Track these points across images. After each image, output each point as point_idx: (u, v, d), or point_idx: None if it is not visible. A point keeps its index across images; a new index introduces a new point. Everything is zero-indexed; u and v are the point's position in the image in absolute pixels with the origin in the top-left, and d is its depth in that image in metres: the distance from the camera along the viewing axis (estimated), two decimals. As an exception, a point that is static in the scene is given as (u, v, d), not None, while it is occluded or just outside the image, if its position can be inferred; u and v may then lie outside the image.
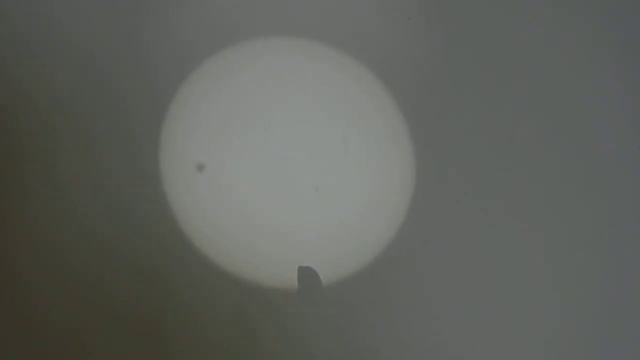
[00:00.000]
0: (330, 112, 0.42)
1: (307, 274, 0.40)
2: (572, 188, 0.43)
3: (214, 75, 0.42)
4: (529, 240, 0.42)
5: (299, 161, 0.41)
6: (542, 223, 0.42)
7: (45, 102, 0.40)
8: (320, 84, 0.42)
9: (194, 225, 0.40)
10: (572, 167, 0.43)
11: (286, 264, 0.40)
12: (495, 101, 0.43)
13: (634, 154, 0.44)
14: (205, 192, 0.40)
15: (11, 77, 0.40)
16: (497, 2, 0.45)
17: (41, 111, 0.40)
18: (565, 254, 0.42)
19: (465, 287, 0.41)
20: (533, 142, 0.43)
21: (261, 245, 0.40)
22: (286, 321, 0.39)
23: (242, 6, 0.43)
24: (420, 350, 0.40)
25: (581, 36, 0.45)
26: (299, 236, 0.40)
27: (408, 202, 0.42)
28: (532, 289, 0.41)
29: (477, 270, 0.41)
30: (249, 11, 0.43)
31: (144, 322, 0.38)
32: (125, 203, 0.39)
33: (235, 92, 0.42)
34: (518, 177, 0.43)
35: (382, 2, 0.44)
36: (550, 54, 0.45)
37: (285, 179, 0.41)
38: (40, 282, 0.38)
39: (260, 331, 0.39)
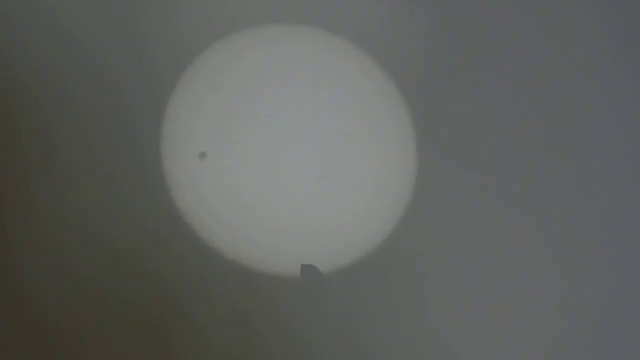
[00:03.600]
0: (332, 102, 0.42)
1: (310, 273, 0.39)
2: (573, 184, 0.43)
3: (216, 65, 0.42)
4: (531, 235, 0.42)
5: (300, 151, 0.41)
6: (544, 218, 0.42)
7: (44, 95, 0.40)
8: (322, 74, 0.42)
9: (195, 216, 0.40)
10: (574, 162, 0.43)
11: (287, 255, 0.40)
12: (495, 94, 0.44)
13: (635, 151, 0.44)
14: (207, 182, 0.40)
15: (8, 71, 0.40)
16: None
17: (40, 104, 0.40)
18: (567, 251, 0.42)
19: (466, 281, 0.41)
20: (534, 134, 0.43)
21: (262, 235, 0.40)
22: (286, 312, 0.39)
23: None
24: (422, 345, 0.40)
25: (584, 29, 0.45)
26: (300, 227, 0.40)
27: (410, 194, 0.42)
28: (533, 286, 0.41)
29: (478, 264, 0.41)
30: (250, 2, 0.43)
31: (144, 317, 0.38)
32: (127, 194, 0.39)
33: (237, 81, 0.42)
34: (520, 172, 0.43)
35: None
36: (553, 48, 0.45)
37: (287, 169, 0.41)
38: (41, 274, 0.38)
39: (260, 323, 0.39)
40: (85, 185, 0.39)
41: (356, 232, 0.41)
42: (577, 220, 0.43)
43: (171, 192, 0.40)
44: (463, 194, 0.42)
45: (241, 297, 0.39)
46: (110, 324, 0.38)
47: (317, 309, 0.39)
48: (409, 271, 0.41)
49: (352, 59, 0.43)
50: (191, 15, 0.42)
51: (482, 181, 0.42)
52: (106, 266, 0.38)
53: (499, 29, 0.44)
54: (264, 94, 0.42)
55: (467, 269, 0.41)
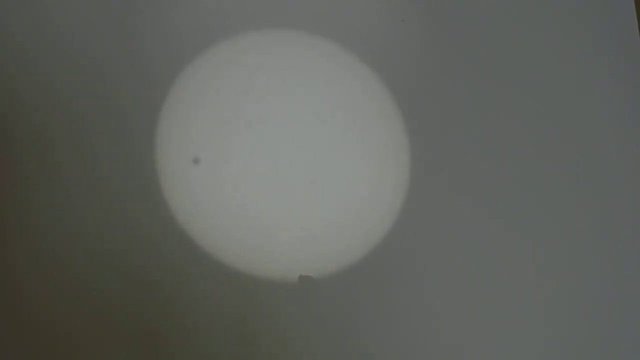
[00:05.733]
0: (326, 107, 0.42)
1: (306, 281, 0.40)
2: (566, 187, 0.43)
3: (209, 70, 0.42)
4: (526, 238, 0.42)
5: (294, 155, 0.41)
6: (538, 220, 0.42)
7: (41, 100, 0.41)
8: (316, 80, 0.43)
9: (190, 220, 0.40)
10: (567, 164, 0.43)
11: (281, 258, 0.40)
12: (487, 99, 0.44)
13: (632, 154, 0.44)
14: (201, 186, 0.40)
15: (5, 73, 0.41)
16: (485, 5, 0.45)
17: (38, 108, 0.40)
18: (561, 253, 0.42)
19: (459, 281, 0.41)
20: (525, 136, 0.43)
21: (257, 239, 0.40)
22: (282, 315, 0.39)
23: (237, 2, 0.43)
24: (418, 346, 0.40)
25: (574, 37, 0.45)
26: (294, 230, 0.40)
27: (404, 195, 0.42)
28: (529, 288, 0.41)
29: (471, 263, 0.41)
30: (243, 7, 0.43)
31: (139, 321, 0.38)
32: (122, 199, 0.40)
33: (231, 86, 0.42)
34: (511, 171, 0.43)
35: (376, 3, 0.44)
36: (541, 53, 0.45)
37: (281, 173, 0.41)
38: (37, 278, 0.38)
39: (256, 324, 0.39)
40: (80, 189, 0.39)
41: (351, 232, 0.41)
42: (571, 221, 0.43)
43: (166, 197, 0.40)
44: (457, 195, 0.42)
45: (236, 300, 0.39)
46: (105, 329, 0.38)
47: (312, 311, 0.39)
48: (404, 273, 0.41)
49: (346, 65, 0.43)
50: (185, 22, 0.43)
51: (476, 183, 0.42)
52: (101, 270, 0.39)
53: (490, 36, 0.45)
54: (258, 99, 0.42)
55: (460, 269, 0.41)
